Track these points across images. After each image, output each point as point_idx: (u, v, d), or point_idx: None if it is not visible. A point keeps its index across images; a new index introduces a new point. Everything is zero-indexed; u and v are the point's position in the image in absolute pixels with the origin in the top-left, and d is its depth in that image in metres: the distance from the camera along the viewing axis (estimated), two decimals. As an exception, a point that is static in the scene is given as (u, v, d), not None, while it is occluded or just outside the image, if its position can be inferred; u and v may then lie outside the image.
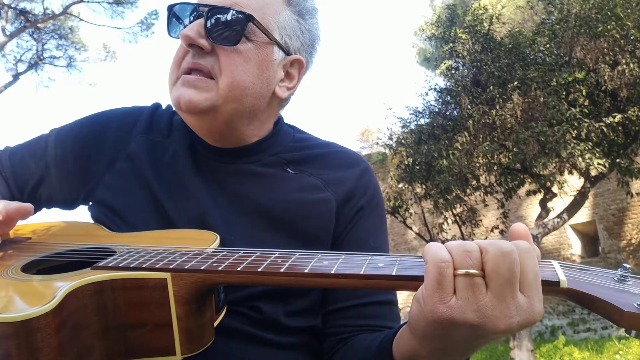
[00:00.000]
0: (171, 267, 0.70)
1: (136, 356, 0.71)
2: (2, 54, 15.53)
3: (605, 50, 7.68)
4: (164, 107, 1.09)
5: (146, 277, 0.70)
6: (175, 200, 0.93)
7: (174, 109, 1.07)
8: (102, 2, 15.86)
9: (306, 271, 0.67)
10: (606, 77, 7.51)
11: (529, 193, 9.16)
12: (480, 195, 9.34)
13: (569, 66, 8.15)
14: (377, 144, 15.59)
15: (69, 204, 1.05)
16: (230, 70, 0.90)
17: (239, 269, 0.69)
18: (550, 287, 0.60)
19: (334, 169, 1.00)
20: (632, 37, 7.58)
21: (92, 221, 0.98)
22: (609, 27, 7.53)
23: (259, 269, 0.69)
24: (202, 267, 0.70)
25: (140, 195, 0.94)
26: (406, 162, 9.42)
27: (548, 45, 8.62)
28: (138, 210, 0.93)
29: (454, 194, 8.87)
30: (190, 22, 0.92)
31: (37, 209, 1.06)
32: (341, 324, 0.91)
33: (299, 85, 1.02)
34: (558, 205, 9.14)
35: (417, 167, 9.26)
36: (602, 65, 7.59)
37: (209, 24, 0.89)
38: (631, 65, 7.38)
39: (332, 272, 0.66)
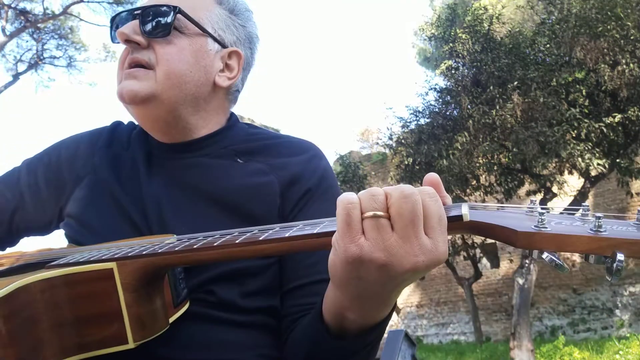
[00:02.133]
0: (116, 256, 0.74)
1: (92, 348, 0.72)
2: (2, 54, 15.55)
3: (605, 50, 7.69)
4: (125, 123, 1.16)
5: (93, 269, 0.73)
6: (136, 203, 0.97)
7: (134, 123, 1.13)
8: (102, 2, 15.87)
9: (237, 242, 0.70)
10: (606, 77, 7.52)
11: (529, 193, 9.17)
12: (480, 195, 9.35)
13: (569, 66, 8.15)
14: (377, 144, 15.60)
15: (45, 229, 1.11)
16: (166, 59, 0.97)
17: (176, 249, 0.72)
18: (455, 222, 0.63)
19: (281, 156, 1.04)
20: (632, 37, 7.59)
21: (65, 238, 1.01)
22: (609, 27, 7.53)
23: (195, 246, 0.72)
24: (144, 252, 0.73)
25: (104, 203, 0.99)
26: (406, 162, 9.43)
27: (548, 45, 8.63)
28: (103, 218, 0.97)
29: (454, 194, 8.88)
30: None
31: (16, 239, 1.12)
32: (294, 303, 0.94)
33: (242, 78, 1.09)
34: (558, 205, 9.14)
35: (417, 167, 9.27)
36: (602, 65, 7.60)
37: (142, 21, 0.98)
38: (631, 65, 7.39)
39: (261, 238, 0.69)
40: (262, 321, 0.93)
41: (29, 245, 1.11)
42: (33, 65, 16.38)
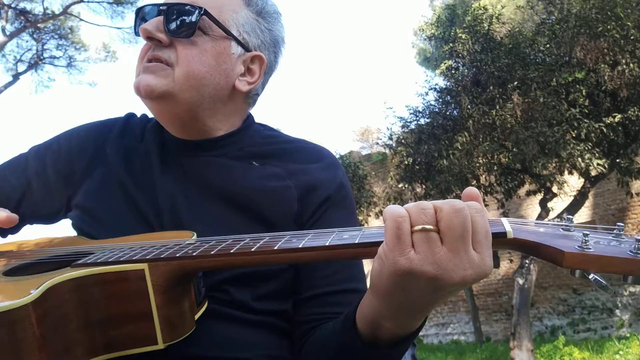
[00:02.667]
0: (148, 257, 0.73)
1: (120, 348, 0.72)
2: (2, 54, 15.54)
3: (605, 50, 7.68)
4: (138, 115, 1.15)
5: (124, 269, 0.72)
6: (148, 197, 0.96)
7: (148, 116, 1.13)
8: (102, 2, 15.87)
9: (276, 248, 0.70)
10: (606, 77, 7.51)
11: (529, 193, 9.16)
12: (480, 195, 9.33)
13: (569, 66, 8.15)
14: (377, 144, 15.60)
15: (52, 218, 1.09)
16: (187, 60, 0.95)
17: (212, 252, 0.72)
18: (499, 238, 0.65)
19: (298, 162, 1.04)
20: (632, 37, 7.58)
21: (73, 228, 1.01)
22: (609, 27, 7.53)
23: (231, 251, 0.71)
24: (178, 255, 0.73)
25: (115, 195, 0.98)
26: (406, 162, 9.42)
27: (548, 45, 8.62)
28: (114, 211, 0.96)
29: (454, 194, 8.87)
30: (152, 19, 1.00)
31: (20, 226, 1.09)
32: (311, 311, 0.94)
33: (262, 82, 1.07)
34: (558, 205, 9.14)
35: (417, 167, 9.27)
36: (602, 65, 7.59)
37: (166, 19, 0.96)
38: (631, 65, 7.38)
39: (300, 246, 0.69)
40: (273, 323, 0.93)
41: (25, 234, 1.09)
42: (33, 65, 16.37)
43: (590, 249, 0.59)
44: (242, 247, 0.72)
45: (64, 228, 1.05)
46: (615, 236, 0.63)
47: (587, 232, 0.60)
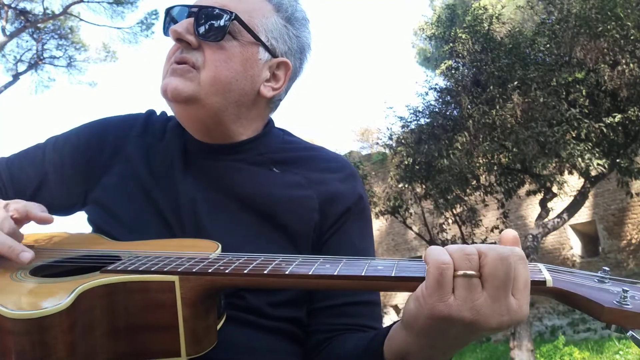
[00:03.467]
0: (179, 270, 0.73)
1: (143, 357, 0.72)
2: (2, 54, 15.54)
3: (605, 50, 7.68)
4: (158, 113, 1.14)
5: (155, 279, 0.72)
6: (169, 199, 0.96)
7: (167, 114, 1.12)
8: (102, 2, 15.87)
9: (310, 273, 0.70)
10: (606, 77, 7.51)
11: (529, 193, 9.16)
12: (480, 195, 9.34)
13: (569, 66, 8.14)
14: (377, 144, 15.61)
15: (66, 210, 1.08)
16: (214, 65, 0.95)
17: (245, 271, 0.71)
18: (538, 286, 0.65)
19: (319, 171, 1.04)
20: (632, 37, 7.58)
21: (88, 223, 1.00)
22: (609, 27, 7.53)
23: (265, 272, 0.71)
24: (210, 270, 0.72)
25: (135, 194, 0.98)
26: (406, 162, 9.43)
27: (548, 45, 8.62)
28: (133, 210, 0.96)
29: (454, 194, 8.88)
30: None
31: None
32: (326, 322, 0.94)
33: (286, 88, 1.07)
34: (558, 205, 9.14)
35: (417, 167, 9.26)
36: (602, 65, 7.59)
37: (196, 22, 0.96)
38: (631, 65, 7.39)
39: (335, 273, 0.69)
40: (287, 329, 0.93)
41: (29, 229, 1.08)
42: (33, 65, 16.38)
43: (628, 305, 0.60)
44: (275, 268, 0.72)
45: (62, 225, 1.04)
46: None
47: (627, 288, 0.61)
